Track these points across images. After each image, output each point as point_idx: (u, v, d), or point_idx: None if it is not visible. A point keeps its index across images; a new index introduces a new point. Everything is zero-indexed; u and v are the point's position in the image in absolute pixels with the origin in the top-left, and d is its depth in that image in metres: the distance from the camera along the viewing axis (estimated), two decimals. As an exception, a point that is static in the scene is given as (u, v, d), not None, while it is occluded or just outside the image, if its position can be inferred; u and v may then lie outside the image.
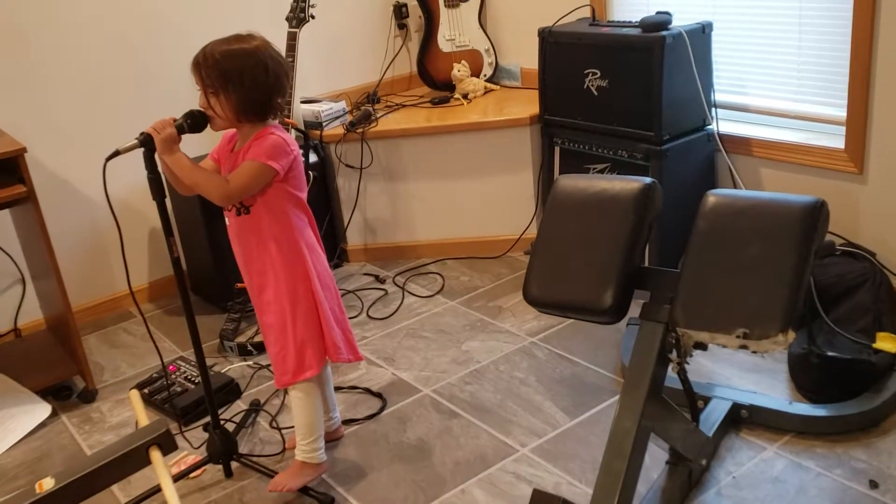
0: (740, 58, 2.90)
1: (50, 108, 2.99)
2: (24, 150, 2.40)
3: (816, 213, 1.69)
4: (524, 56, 3.58)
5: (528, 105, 3.33)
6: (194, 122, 1.89)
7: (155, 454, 1.47)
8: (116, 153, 1.87)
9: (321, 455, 2.12)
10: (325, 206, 3.37)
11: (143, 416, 1.62)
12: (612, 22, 3.02)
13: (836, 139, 2.62)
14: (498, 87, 3.66)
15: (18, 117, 2.85)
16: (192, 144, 2.06)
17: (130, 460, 1.47)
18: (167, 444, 1.50)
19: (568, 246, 1.87)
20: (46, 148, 2.97)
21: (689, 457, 1.96)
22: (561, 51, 3.00)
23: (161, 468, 1.44)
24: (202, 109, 1.90)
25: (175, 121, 1.89)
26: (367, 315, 3.04)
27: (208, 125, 1.93)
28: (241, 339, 2.88)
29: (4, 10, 2.84)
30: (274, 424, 2.44)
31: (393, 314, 3.03)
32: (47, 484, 1.41)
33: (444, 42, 3.65)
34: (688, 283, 1.74)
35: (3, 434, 2.50)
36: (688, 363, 1.81)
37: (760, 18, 2.80)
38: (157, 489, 2.14)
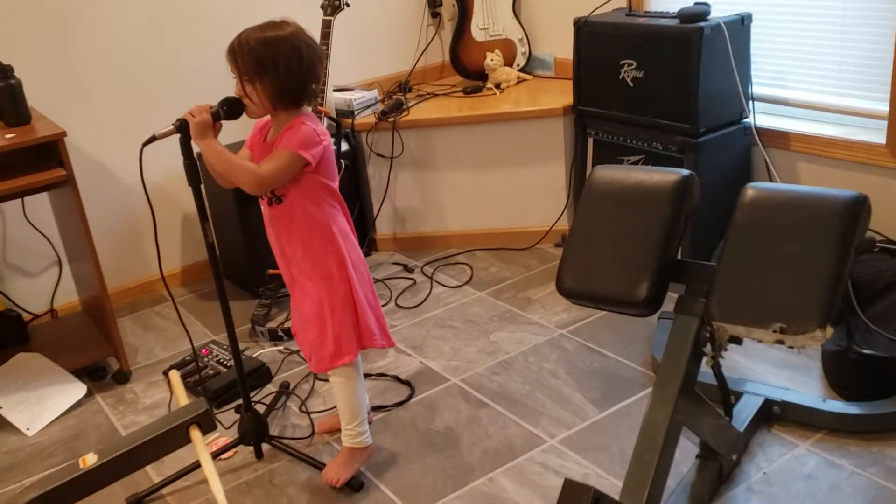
0: (780, 50, 2.86)
1: (89, 93, 3.03)
2: (64, 134, 2.43)
3: (858, 209, 1.67)
4: (558, 46, 3.56)
5: (561, 95, 3.31)
6: (230, 108, 1.91)
7: (195, 433, 1.50)
8: (153, 139, 1.89)
9: (367, 438, 2.14)
10: (355, 194, 3.38)
11: (182, 396, 1.64)
12: (649, 12, 2.99)
13: (877, 134, 2.58)
14: (531, 76, 3.64)
15: (58, 102, 2.89)
16: (229, 131, 2.08)
17: (171, 438, 1.50)
18: (206, 424, 1.52)
19: (603, 237, 1.86)
20: (85, 133, 3.00)
21: (720, 451, 1.95)
22: (596, 41, 2.98)
23: (201, 447, 1.47)
24: (238, 96, 1.91)
25: (211, 108, 1.91)
26: (396, 304, 3.05)
27: (244, 112, 1.94)
28: (272, 324, 2.91)
29: (45, -5, 2.88)
30: (303, 409, 2.46)
31: (421, 303, 3.04)
32: (90, 459, 1.44)
33: (478, 31, 3.63)
34: (725, 276, 1.73)
35: (40, 412, 2.55)
36: (722, 357, 1.80)
37: (802, 10, 2.76)
38: (189, 469, 2.16)
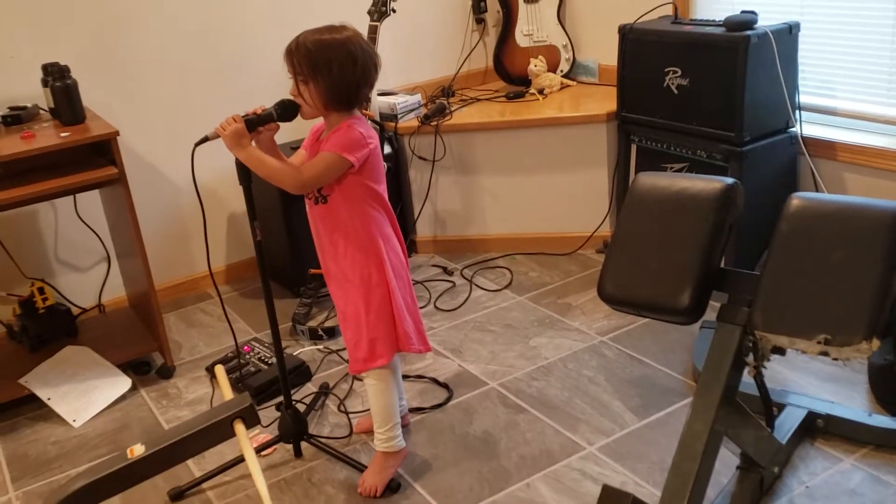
0: (828, 59, 2.83)
1: (141, 93, 3.09)
2: (116, 133, 2.49)
3: (907, 220, 1.64)
4: (602, 52, 3.55)
5: (604, 102, 3.30)
6: (285, 110, 1.94)
7: (239, 427, 1.52)
8: (205, 139, 1.93)
9: (399, 442, 2.15)
10: (396, 197, 3.41)
11: (227, 391, 1.67)
12: (695, 20, 2.97)
13: (928, 145, 2.54)
14: (574, 82, 3.64)
15: (111, 101, 2.96)
16: (286, 132, 2.09)
17: (215, 432, 1.53)
18: (251, 418, 1.55)
19: (646, 244, 1.86)
20: (136, 132, 3.07)
21: (762, 463, 1.93)
22: (641, 48, 2.97)
23: (245, 440, 1.50)
24: (292, 98, 1.95)
25: (264, 109, 1.94)
26: (435, 306, 3.06)
27: (298, 114, 1.97)
28: (313, 323, 2.94)
29: (100, -2, 2.96)
30: (342, 408, 2.49)
31: (460, 306, 3.05)
32: (138, 450, 1.48)
33: (522, 37, 3.64)
34: (769, 285, 1.71)
35: (87, 404, 2.61)
36: (765, 368, 1.78)
37: (852, 19, 2.72)
38: (231, 464, 2.20)
